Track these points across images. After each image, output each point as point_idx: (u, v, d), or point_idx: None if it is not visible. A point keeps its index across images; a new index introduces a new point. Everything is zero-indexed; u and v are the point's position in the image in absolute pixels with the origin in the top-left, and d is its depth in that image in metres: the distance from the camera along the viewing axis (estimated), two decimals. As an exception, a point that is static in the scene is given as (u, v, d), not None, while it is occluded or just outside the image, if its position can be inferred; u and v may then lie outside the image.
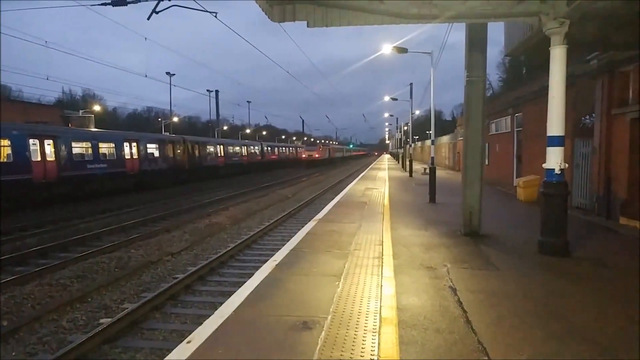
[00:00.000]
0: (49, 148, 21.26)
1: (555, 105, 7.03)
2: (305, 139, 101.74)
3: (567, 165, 7.20)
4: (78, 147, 23.39)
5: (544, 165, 7.17)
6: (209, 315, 4.68)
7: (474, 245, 8.06)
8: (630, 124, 10.12)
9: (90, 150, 24.17)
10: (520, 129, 18.21)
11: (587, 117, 12.41)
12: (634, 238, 8.86)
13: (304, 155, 70.53)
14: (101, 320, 6.94)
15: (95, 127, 28.96)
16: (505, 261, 6.93)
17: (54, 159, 21.42)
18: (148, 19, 16.58)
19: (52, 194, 21.08)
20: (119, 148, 26.74)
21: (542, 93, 8.78)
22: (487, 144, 21.06)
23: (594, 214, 11.36)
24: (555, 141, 7.04)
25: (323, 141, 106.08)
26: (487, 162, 21.44)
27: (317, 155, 70.33)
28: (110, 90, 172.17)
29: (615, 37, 8.43)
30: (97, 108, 47.89)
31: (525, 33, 8.32)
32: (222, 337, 4.07)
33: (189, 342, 3.97)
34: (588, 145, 12.07)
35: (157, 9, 16.55)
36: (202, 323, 4.47)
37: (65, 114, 32.39)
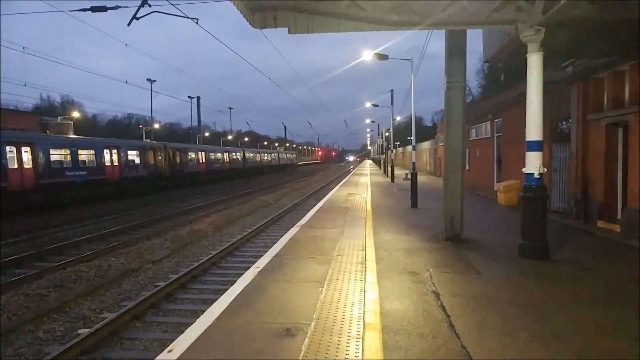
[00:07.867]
0: (26, 155, 20.81)
1: (533, 111, 7.16)
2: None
3: (545, 169, 7.33)
4: (56, 154, 22.98)
5: (524, 170, 7.30)
6: (191, 324, 4.61)
7: (455, 250, 8.13)
8: (606, 129, 10.36)
9: (69, 157, 23.77)
10: (500, 134, 18.48)
11: (564, 122, 12.68)
12: (612, 241, 9.06)
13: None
14: (79, 331, 6.77)
15: (75, 134, 28.49)
16: (486, 265, 7.00)
17: (31, 166, 20.97)
18: (128, 24, 16.40)
19: (29, 202, 20.60)
20: (99, 155, 26.39)
21: (521, 99, 8.94)
22: (467, 149, 21.33)
23: (572, 218, 11.57)
24: (534, 146, 7.17)
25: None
26: (467, 167, 21.67)
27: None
28: (89, 96, 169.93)
29: (590, 44, 8.66)
30: (76, 115, 47.15)
31: (503, 40, 8.47)
32: (204, 346, 4.01)
33: (170, 350, 3.90)
34: (565, 150, 12.32)
35: (138, 15, 16.40)
36: (183, 331, 4.40)
37: (43, 120, 31.78)
